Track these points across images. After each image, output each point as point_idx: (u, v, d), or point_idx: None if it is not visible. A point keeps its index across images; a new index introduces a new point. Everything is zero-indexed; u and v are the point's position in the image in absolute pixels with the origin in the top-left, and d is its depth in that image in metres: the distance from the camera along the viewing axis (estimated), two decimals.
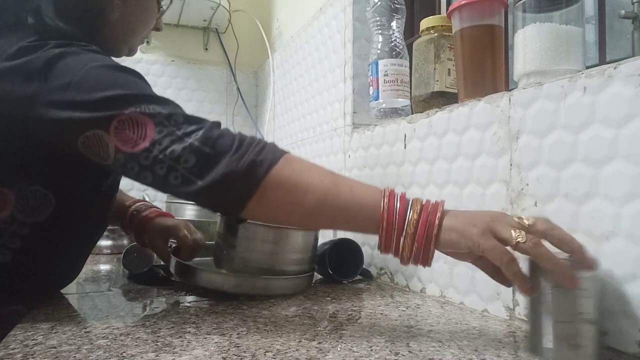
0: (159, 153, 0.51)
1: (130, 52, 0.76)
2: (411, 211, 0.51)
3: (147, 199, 1.26)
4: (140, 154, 0.51)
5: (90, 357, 0.48)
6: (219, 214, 0.78)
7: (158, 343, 0.53)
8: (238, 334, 0.56)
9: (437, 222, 0.50)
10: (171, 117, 0.52)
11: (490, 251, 0.48)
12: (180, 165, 0.50)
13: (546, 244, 0.47)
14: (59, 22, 0.59)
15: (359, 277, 0.90)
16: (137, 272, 0.93)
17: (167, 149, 0.50)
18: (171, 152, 0.50)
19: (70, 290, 0.83)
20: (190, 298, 0.76)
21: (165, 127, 0.51)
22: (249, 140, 0.53)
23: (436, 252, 0.52)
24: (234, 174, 0.50)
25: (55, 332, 0.57)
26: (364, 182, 0.57)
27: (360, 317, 0.65)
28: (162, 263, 0.93)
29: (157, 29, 0.77)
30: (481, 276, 0.66)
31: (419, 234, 0.50)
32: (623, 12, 0.70)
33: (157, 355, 0.49)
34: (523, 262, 0.49)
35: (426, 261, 0.51)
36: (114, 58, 0.65)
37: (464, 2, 0.71)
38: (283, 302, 0.73)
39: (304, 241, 0.79)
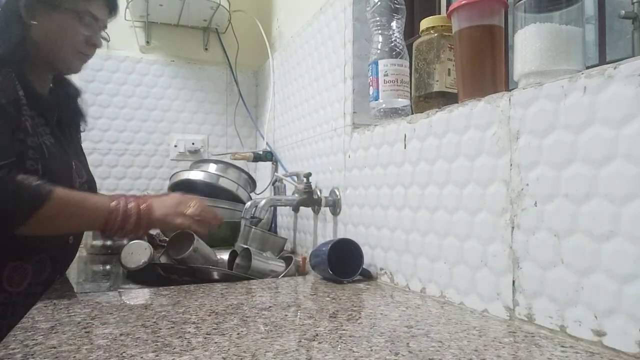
0: None
1: (70, 69, 0.87)
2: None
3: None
4: None
5: (90, 357, 0.48)
6: None
7: (158, 343, 0.53)
8: (238, 334, 0.56)
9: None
10: None
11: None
12: None
13: None
14: None
15: (359, 277, 0.90)
16: (135, 268, 0.93)
17: None
18: None
19: (71, 290, 0.83)
20: (190, 298, 0.76)
21: None
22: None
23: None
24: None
25: (55, 332, 0.57)
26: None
27: (360, 317, 0.65)
28: (162, 262, 0.93)
29: (94, 44, 0.86)
30: (481, 276, 0.66)
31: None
32: (623, 12, 0.70)
33: (157, 355, 0.49)
34: None
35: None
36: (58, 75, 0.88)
37: (464, 2, 0.71)
38: (283, 302, 0.73)
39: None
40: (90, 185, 0.95)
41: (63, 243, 0.86)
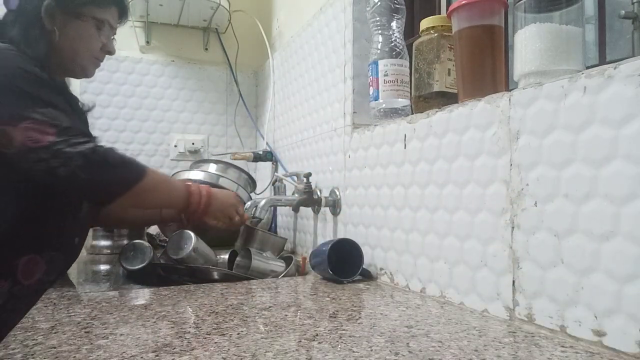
0: (56, 151, 0.66)
1: (85, 74, 0.88)
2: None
3: None
4: (41, 149, 0.65)
5: (90, 357, 0.48)
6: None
7: (158, 343, 0.53)
8: (238, 334, 0.56)
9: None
10: (69, 129, 0.68)
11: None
12: (72, 162, 0.66)
13: None
14: (25, 49, 0.76)
15: (359, 277, 0.90)
16: (134, 268, 0.93)
17: (62, 150, 0.66)
18: (65, 152, 0.66)
19: (71, 290, 0.83)
20: (190, 298, 0.76)
21: (64, 134, 0.67)
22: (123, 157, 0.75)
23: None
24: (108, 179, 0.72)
25: (55, 332, 0.57)
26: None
27: (360, 317, 0.65)
28: (162, 262, 0.93)
29: (109, 51, 0.88)
30: (481, 276, 0.66)
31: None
32: (623, 12, 0.70)
33: (157, 355, 0.49)
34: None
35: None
36: (73, 79, 0.89)
37: (464, 2, 0.71)
38: (283, 302, 0.73)
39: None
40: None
41: (69, 242, 0.86)
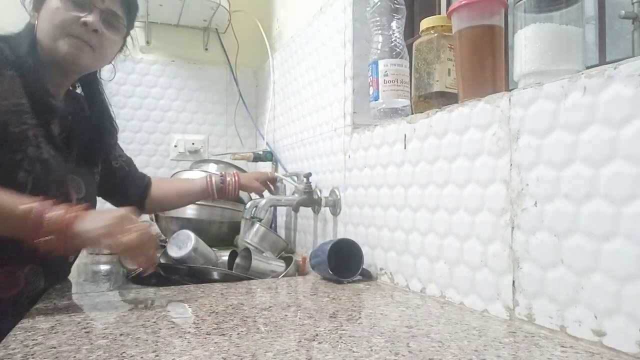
0: None
1: (64, 57, 0.80)
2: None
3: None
4: None
5: (90, 357, 0.48)
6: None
7: (158, 343, 0.53)
8: (238, 334, 0.56)
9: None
10: None
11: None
12: None
13: None
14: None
15: (359, 277, 0.90)
16: (135, 269, 0.93)
17: None
18: None
19: (71, 290, 0.83)
20: (190, 298, 0.76)
21: None
22: None
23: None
24: None
25: (55, 332, 0.57)
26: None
27: (360, 317, 0.65)
28: (162, 262, 0.93)
29: (85, 23, 0.79)
30: (481, 276, 0.66)
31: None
32: (623, 12, 0.70)
33: (157, 355, 0.49)
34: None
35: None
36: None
37: (464, 2, 0.71)
38: (283, 302, 0.73)
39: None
40: (88, 201, 0.88)
41: (59, 258, 0.80)
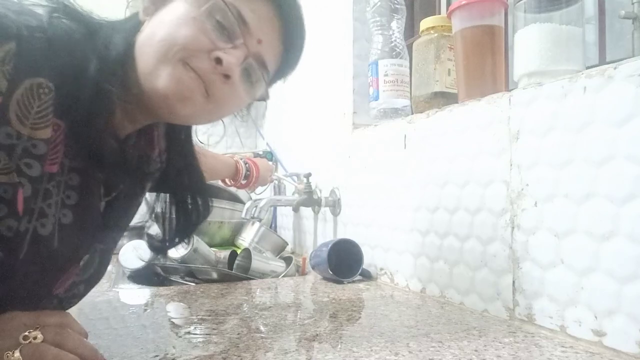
0: None
1: (155, 89, 0.47)
2: None
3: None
4: None
5: None
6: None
7: (158, 343, 0.53)
8: (238, 334, 0.56)
9: None
10: None
11: None
12: None
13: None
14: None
15: (359, 277, 0.90)
16: (134, 268, 0.93)
17: None
18: None
19: None
20: (190, 298, 0.76)
21: None
22: None
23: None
24: None
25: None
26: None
27: (360, 317, 0.65)
28: (162, 262, 0.93)
29: (218, 57, 0.48)
30: (481, 276, 0.66)
31: None
32: (623, 12, 0.70)
33: (157, 355, 0.49)
34: None
35: None
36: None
37: (464, 2, 0.71)
38: (283, 302, 0.73)
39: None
40: (93, 280, 0.54)
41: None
